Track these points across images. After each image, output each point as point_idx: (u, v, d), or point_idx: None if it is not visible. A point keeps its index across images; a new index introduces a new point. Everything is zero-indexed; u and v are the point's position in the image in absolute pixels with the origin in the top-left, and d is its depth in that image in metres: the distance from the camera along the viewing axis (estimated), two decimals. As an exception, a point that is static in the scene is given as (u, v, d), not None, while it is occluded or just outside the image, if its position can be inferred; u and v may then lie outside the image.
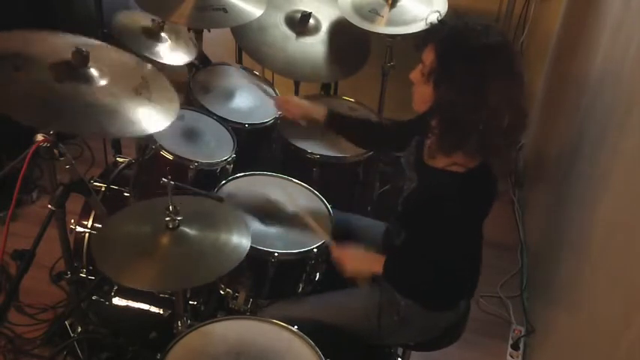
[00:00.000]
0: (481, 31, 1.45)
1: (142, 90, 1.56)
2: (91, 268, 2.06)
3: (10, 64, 1.43)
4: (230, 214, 1.61)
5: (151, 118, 1.53)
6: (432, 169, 1.62)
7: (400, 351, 1.96)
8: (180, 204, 1.47)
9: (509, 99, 1.46)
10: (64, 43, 1.54)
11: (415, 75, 1.55)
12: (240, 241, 1.50)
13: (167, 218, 1.45)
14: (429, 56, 1.50)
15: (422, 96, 1.54)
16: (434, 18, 1.56)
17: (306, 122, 2.05)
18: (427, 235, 1.60)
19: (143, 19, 2.14)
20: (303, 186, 1.99)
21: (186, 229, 1.48)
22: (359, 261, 1.69)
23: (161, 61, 2.06)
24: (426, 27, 1.57)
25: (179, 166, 1.93)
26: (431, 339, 1.81)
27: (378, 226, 1.95)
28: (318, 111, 2.00)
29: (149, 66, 1.72)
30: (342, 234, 1.88)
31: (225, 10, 2.20)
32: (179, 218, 1.46)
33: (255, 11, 2.28)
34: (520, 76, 1.49)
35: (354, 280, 1.69)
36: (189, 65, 2.40)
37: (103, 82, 1.53)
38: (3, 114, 1.31)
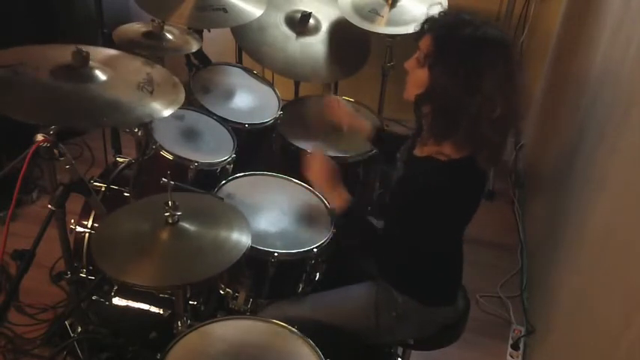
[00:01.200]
0: (479, 24, 1.48)
1: (144, 85, 1.57)
2: (91, 268, 2.06)
3: (10, 71, 1.44)
4: (230, 211, 1.61)
5: (152, 110, 1.54)
6: (417, 159, 1.64)
7: (400, 351, 1.96)
8: (180, 201, 1.47)
9: (503, 91, 1.46)
10: (66, 51, 1.55)
11: (410, 63, 1.58)
12: (240, 237, 1.50)
13: (166, 213, 1.45)
14: (425, 42, 1.53)
15: (416, 81, 1.55)
16: (435, 11, 1.60)
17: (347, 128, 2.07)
18: (409, 223, 1.60)
19: (142, 27, 2.14)
20: (303, 186, 1.99)
21: (186, 225, 1.48)
22: (324, 180, 1.73)
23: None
24: (426, 17, 1.60)
25: (179, 166, 1.93)
26: (430, 337, 1.81)
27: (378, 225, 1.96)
28: (366, 124, 2.04)
29: (154, 63, 1.72)
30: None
31: (225, 10, 2.21)
32: (178, 213, 1.46)
33: (255, 11, 2.28)
34: (515, 71, 1.50)
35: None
36: (189, 65, 2.41)
37: (105, 79, 1.54)
38: (4, 115, 1.32)
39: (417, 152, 1.67)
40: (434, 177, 1.54)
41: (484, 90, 1.44)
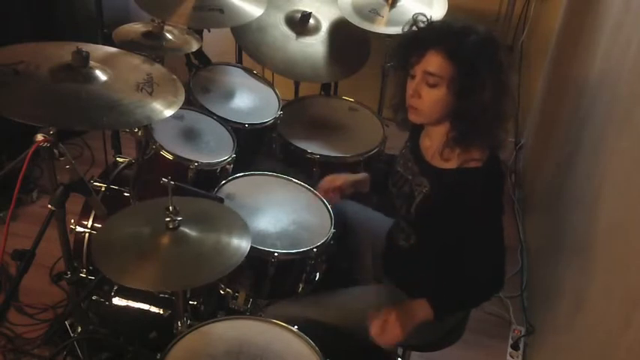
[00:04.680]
0: (476, 28, 1.47)
1: (144, 85, 1.57)
2: (91, 268, 2.06)
3: (10, 70, 1.44)
4: (230, 216, 1.61)
5: (151, 111, 1.53)
6: (446, 172, 1.58)
7: (400, 351, 1.96)
8: (180, 205, 1.47)
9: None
10: (67, 49, 1.54)
11: (417, 87, 1.51)
12: (241, 243, 1.50)
13: (167, 218, 1.45)
14: (433, 62, 1.47)
15: (435, 103, 1.51)
16: (421, 22, 1.54)
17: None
18: (459, 235, 1.58)
19: (142, 27, 2.14)
20: (303, 186, 2.00)
21: (187, 230, 1.47)
22: (407, 321, 1.57)
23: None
24: (415, 30, 1.54)
25: (179, 166, 1.93)
26: (432, 339, 1.81)
27: (379, 218, 1.97)
28: (363, 180, 1.95)
29: (153, 63, 1.72)
30: (341, 223, 1.89)
31: (221, 11, 2.20)
32: (179, 218, 1.46)
33: (254, 11, 2.28)
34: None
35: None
36: (189, 65, 2.41)
37: (104, 80, 1.53)
38: (4, 117, 1.32)
39: (441, 165, 1.60)
40: (489, 183, 1.54)
41: (510, 88, 1.50)
